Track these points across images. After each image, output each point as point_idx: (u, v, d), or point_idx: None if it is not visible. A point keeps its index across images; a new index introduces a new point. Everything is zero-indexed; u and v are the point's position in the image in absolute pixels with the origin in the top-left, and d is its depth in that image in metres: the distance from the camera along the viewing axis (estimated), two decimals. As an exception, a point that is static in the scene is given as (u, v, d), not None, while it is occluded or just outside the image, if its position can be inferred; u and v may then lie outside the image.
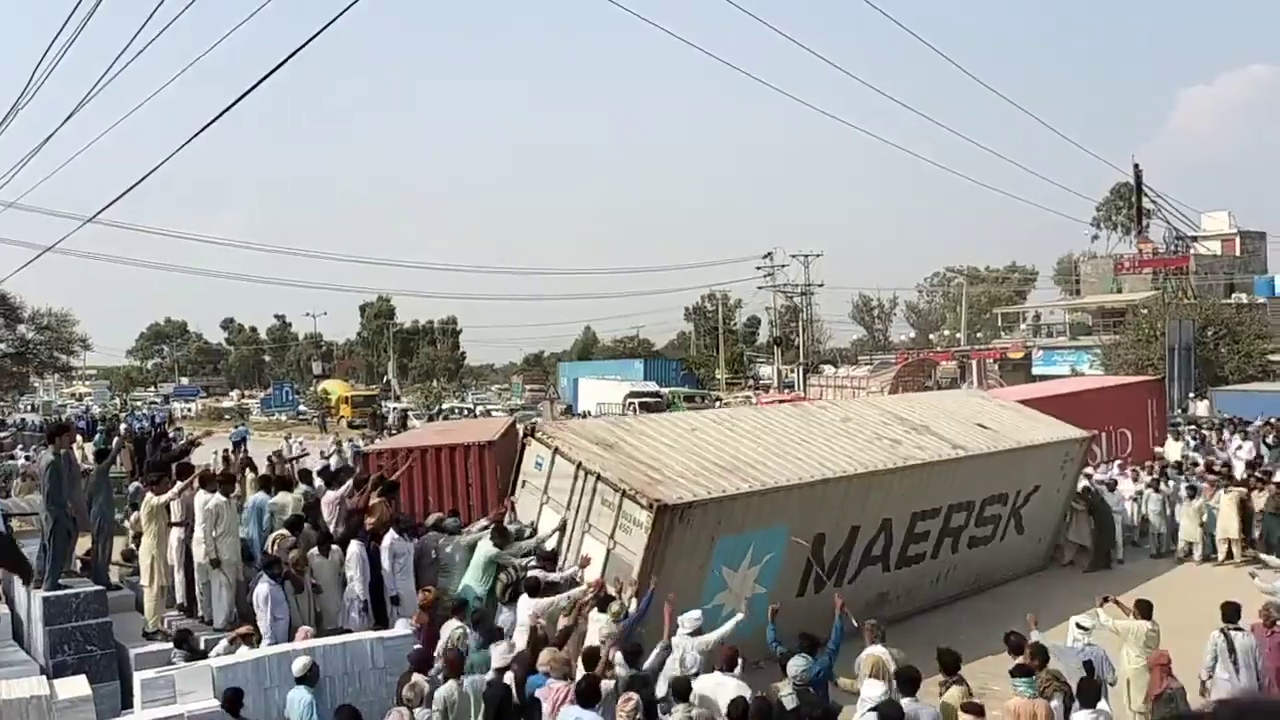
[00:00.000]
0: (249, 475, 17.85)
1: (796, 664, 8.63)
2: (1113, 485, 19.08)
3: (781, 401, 46.06)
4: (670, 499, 11.07)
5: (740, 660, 9.01)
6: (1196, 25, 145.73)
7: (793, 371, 62.37)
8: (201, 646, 10.36)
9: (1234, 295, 51.54)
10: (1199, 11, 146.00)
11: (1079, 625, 9.61)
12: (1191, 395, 37.29)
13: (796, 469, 12.86)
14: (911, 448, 14.70)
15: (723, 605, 11.40)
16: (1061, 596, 15.56)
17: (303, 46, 10.42)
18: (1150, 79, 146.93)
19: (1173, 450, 23.70)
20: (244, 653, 9.56)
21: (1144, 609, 10.27)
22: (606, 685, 8.58)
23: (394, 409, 55.19)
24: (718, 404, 51.93)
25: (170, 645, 10.45)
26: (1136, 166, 54.49)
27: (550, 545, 12.20)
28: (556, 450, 12.28)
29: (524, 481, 12.99)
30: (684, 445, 12.93)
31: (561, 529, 12.29)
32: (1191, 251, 54.29)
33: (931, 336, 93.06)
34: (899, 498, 14.06)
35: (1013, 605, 15.03)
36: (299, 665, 8.79)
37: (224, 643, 10.12)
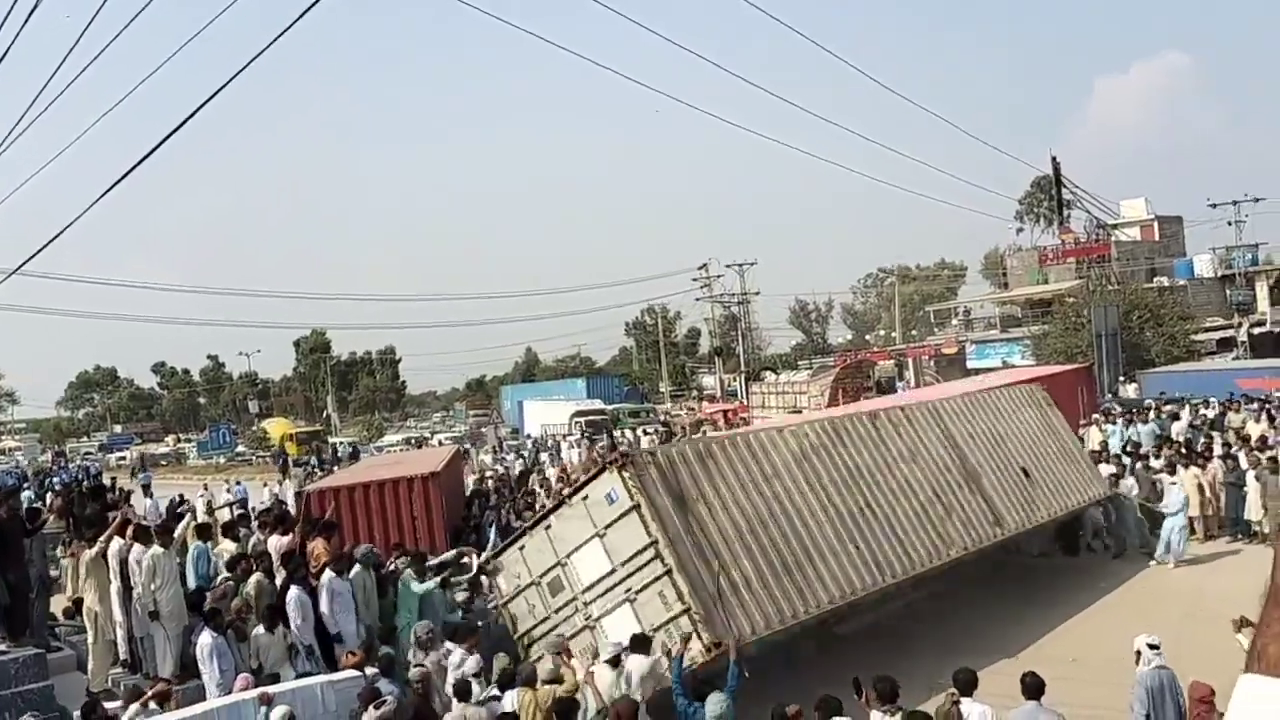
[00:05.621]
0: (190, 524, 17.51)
1: (716, 701, 8.56)
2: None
3: (724, 411, 46.46)
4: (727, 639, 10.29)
5: None
6: (1110, 17, 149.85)
7: (735, 380, 62.67)
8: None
9: (1155, 279, 52.80)
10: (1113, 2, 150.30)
11: (1149, 645, 8.88)
12: (1120, 379, 38.18)
13: (845, 578, 12.15)
14: (957, 524, 13.97)
15: None
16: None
17: (222, 87, 10.36)
18: (1066, 71, 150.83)
19: (1096, 435, 23.80)
20: (171, 712, 9.25)
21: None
22: None
23: (339, 444, 54.43)
24: (664, 416, 52.14)
25: (115, 703, 10.18)
26: (1054, 159, 56.02)
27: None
28: (637, 507, 10.98)
29: (586, 496, 11.61)
30: (755, 515, 11.87)
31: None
32: (1112, 239, 55.68)
33: (868, 337, 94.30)
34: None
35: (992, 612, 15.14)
36: (278, 715, 8.64)
37: (135, 705, 9.41)
